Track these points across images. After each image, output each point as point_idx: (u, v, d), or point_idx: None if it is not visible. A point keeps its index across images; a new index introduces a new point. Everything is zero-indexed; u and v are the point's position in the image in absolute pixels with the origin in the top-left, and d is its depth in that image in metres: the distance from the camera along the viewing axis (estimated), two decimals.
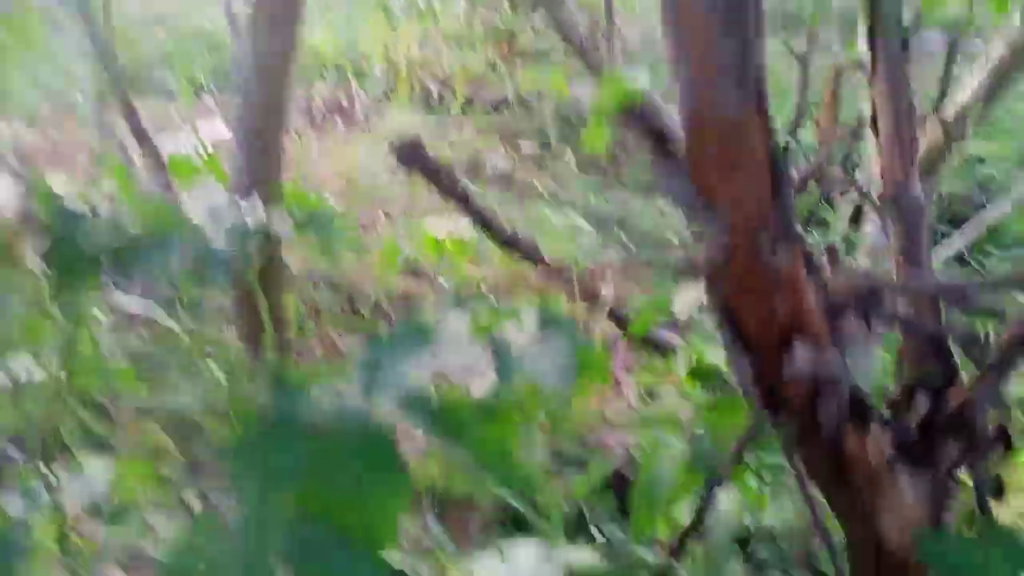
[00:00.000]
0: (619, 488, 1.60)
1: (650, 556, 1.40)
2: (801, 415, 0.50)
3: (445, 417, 0.56)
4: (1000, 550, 0.55)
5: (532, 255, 0.72)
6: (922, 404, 0.57)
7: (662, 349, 0.77)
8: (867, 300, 0.52)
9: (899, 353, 0.60)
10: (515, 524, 1.52)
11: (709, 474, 0.63)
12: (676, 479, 0.66)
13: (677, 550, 0.71)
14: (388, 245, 0.77)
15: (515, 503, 1.51)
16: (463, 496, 1.52)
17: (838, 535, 0.60)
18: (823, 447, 0.52)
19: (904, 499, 0.56)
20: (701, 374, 0.81)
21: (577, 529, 1.49)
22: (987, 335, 0.51)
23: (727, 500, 1.17)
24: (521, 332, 0.51)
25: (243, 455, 0.48)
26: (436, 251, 0.80)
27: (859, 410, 0.52)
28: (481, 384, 0.67)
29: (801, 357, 0.45)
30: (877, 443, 0.55)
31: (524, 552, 0.99)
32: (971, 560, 0.55)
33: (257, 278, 0.56)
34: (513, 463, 0.57)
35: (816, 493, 0.78)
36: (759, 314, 0.45)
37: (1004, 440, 0.57)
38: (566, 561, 0.95)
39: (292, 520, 0.50)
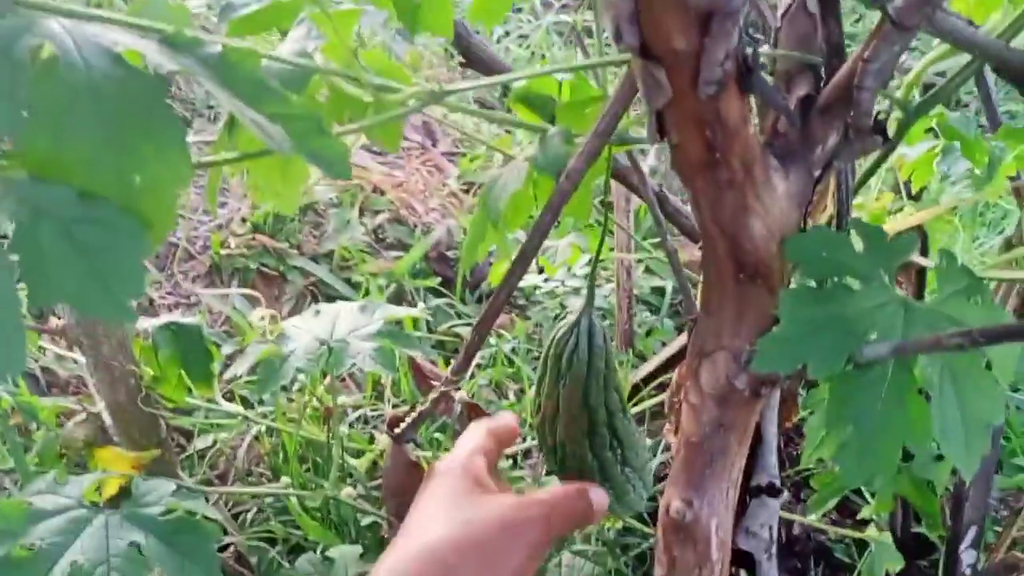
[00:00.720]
0: (441, 270, 1.54)
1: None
2: (682, 65, 0.42)
3: (231, 69, 0.43)
4: (871, 247, 0.51)
5: None
6: (802, 86, 0.51)
7: (493, 69, 0.66)
8: None
9: (777, 31, 0.52)
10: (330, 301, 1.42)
11: (557, 178, 0.54)
12: (519, 192, 0.57)
13: (497, 304, 0.63)
14: None
15: (328, 279, 1.41)
16: (273, 272, 1.40)
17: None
18: (700, 112, 0.44)
19: (774, 192, 0.50)
20: (532, 99, 0.70)
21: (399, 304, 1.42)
22: None
23: (564, 247, 1.12)
24: None
25: None
26: None
27: (744, 70, 0.44)
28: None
29: None
30: (753, 126, 0.48)
31: (342, 308, 0.90)
32: (837, 253, 0.50)
33: None
34: (324, 138, 0.45)
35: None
36: None
37: (880, 133, 0.52)
38: (387, 314, 0.87)
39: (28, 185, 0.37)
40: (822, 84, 0.51)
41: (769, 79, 0.53)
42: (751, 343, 0.55)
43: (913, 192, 0.92)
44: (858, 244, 0.52)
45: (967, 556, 0.91)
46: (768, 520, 0.64)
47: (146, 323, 0.88)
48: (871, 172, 0.59)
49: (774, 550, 0.65)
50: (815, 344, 0.49)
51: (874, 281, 0.50)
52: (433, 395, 0.69)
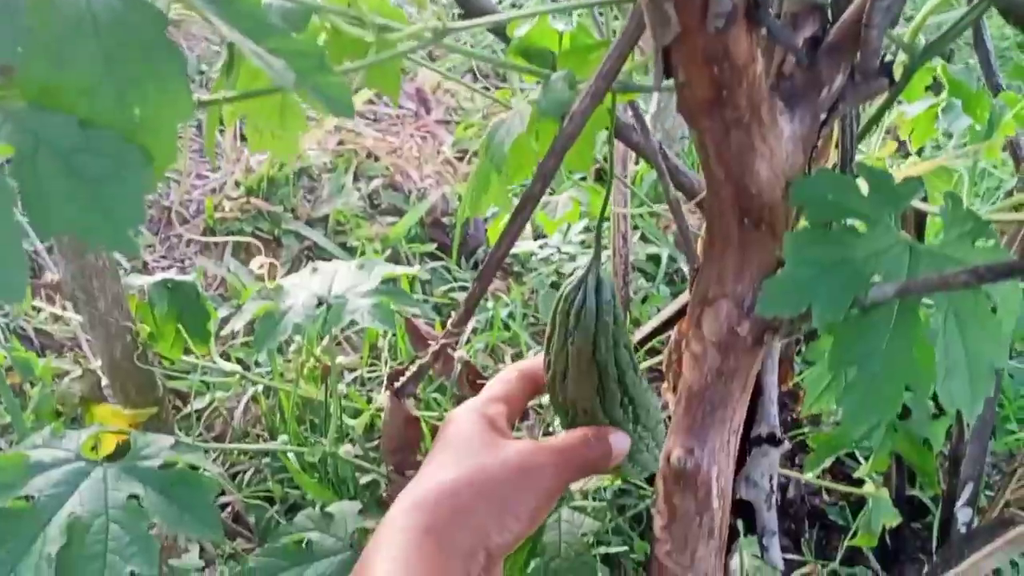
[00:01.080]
0: (437, 236, 1.53)
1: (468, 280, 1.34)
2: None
3: (231, 3, 0.42)
4: (871, 185, 0.51)
5: None
6: (808, 26, 0.50)
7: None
8: None
9: None
10: None
11: (561, 122, 0.53)
12: (522, 141, 0.57)
13: (501, 252, 0.62)
14: None
15: (324, 243, 1.41)
16: (268, 236, 1.39)
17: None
18: (707, 48, 0.43)
19: (780, 135, 0.50)
20: (532, 51, 0.69)
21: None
22: None
23: (564, 205, 1.12)
24: None
25: None
26: None
27: (753, 3, 0.43)
28: None
29: None
30: (760, 65, 0.48)
31: (339, 267, 0.90)
32: (843, 196, 0.50)
33: None
34: (327, 75, 0.44)
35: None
36: None
37: (887, 75, 0.52)
38: (385, 272, 0.86)
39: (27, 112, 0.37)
40: (829, 25, 0.50)
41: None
42: (754, 289, 0.54)
43: (913, 150, 0.91)
44: (863, 189, 0.52)
45: (963, 514, 0.92)
46: (769, 470, 0.64)
47: (141, 280, 0.87)
48: (874, 121, 0.58)
49: (774, 500, 0.65)
50: (821, 286, 0.48)
51: (880, 224, 0.50)
52: (433, 348, 0.69)
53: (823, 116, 0.51)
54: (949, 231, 0.50)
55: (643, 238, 1.69)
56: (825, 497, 1.29)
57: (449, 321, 0.67)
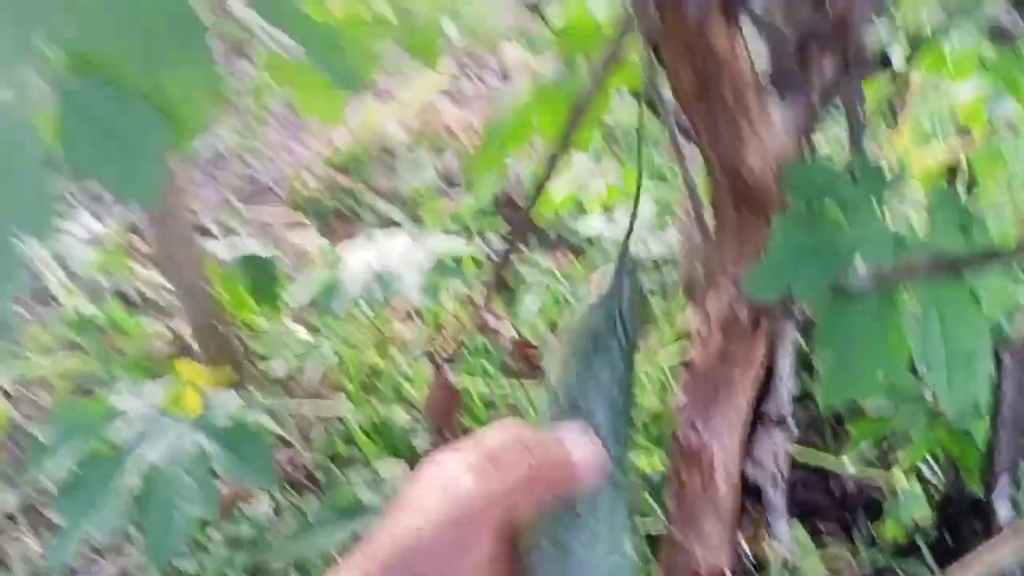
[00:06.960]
0: (508, 212, 1.56)
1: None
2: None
3: None
4: (865, 180, 0.52)
5: None
6: (801, 14, 0.51)
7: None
8: None
9: None
10: None
11: (573, 100, 0.56)
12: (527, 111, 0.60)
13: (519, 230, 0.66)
14: None
15: (399, 218, 1.47)
16: (348, 210, 1.46)
17: None
18: (690, 42, 0.45)
19: (770, 123, 0.51)
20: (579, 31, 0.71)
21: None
22: None
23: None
24: None
25: None
26: None
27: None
28: None
29: None
30: (746, 56, 0.49)
31: (396, 240, 0.95)
32: (835, 188, 0.51)
33: None
34: (338, 52, 0.48)
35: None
36: None
37: (883, 63, 0.52)
38: (437, 246, 0.91)
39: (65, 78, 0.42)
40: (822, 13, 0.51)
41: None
42: None
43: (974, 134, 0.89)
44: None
45: (1002, 508, 0.89)
46: (775, 450, 0.65)
47: (219, 249, 0.95)
48: (889, 107, 0.59)
49: (781, 481, 0.66)
50: (800, 269, 0.49)
51: (862, 211, 0.50)
52: (477, 322, 0.73)
53: (816, 104, 0.52)
54: (936, 220, 0.51)
55: None
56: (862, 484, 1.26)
57: (483, 284, 0.71)
